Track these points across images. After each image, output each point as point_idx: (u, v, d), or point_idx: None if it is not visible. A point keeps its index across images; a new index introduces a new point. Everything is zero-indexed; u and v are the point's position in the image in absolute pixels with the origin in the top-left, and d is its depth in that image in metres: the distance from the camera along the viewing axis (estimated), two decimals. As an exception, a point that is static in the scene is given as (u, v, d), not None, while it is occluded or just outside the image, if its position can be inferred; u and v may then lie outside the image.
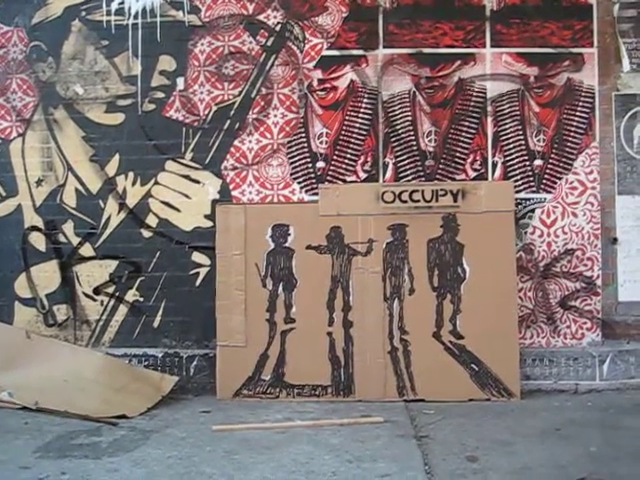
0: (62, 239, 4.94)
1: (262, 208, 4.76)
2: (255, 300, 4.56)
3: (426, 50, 4.78)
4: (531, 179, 4.74)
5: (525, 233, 4.72)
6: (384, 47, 4.81)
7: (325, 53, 4.84)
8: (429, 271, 4.52)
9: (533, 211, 4.73)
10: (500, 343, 4.43)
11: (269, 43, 4.87)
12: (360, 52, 4.82)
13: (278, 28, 4.87)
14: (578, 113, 4.76)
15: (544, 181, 4.75)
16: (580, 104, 4.75)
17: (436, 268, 4.52)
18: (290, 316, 4.55)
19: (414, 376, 4.46)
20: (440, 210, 4.52)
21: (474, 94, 4.77)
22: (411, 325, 4.49)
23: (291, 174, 4.84)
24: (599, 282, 4.73)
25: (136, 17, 4.91)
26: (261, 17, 4.88)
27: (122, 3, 4.92)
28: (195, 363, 4.75)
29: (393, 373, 4.48)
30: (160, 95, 4.90)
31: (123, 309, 4.90)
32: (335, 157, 4.81)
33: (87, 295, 4.92)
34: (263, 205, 4.80)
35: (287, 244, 4.59)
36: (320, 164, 4.82)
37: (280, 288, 4.57)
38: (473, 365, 4.44)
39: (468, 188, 4.53)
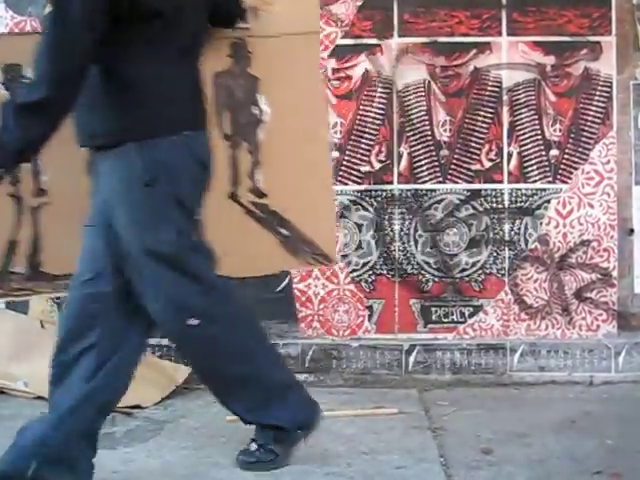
0: (76, 229, 4.93)
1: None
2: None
3: (441, 39, 4.73)
4: (547, 169, 4.70)
5: (541, 224, 4.68)
6: (399, 36, 4.77)
7: (339, 42, 4.79)
8: (218, 114, 3.43)
9: (549, 202, 4.69)
10: (312, 200, 3.48)
11: (283, 32, 4.83)
12: (375, 41, 4.77)
13: (292, 17, 4.83)
14: (595, 102, 4.70)
15: (560, 171, 4.70)
16: (597, 93, 4.69)
17: (226, 110, 3.46)
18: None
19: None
20: (227, 35, 3.36)
21: (490, 83, 4.72)
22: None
23: (305, 164, 4.80)
24: (615, 273, 4.68)
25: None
26: (275, 6, 4.84)
27: (135, -8, 4.89)
28: (209, 353, 4.74)
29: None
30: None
31: (137, 299, 4.89)
32: (349, 147, 4.78)
33: (101, 285, 4.91)
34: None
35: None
36: (334, 154, 4.79)
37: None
38: (282, 229, 3.46)
39: (258, 3, 3.35)
